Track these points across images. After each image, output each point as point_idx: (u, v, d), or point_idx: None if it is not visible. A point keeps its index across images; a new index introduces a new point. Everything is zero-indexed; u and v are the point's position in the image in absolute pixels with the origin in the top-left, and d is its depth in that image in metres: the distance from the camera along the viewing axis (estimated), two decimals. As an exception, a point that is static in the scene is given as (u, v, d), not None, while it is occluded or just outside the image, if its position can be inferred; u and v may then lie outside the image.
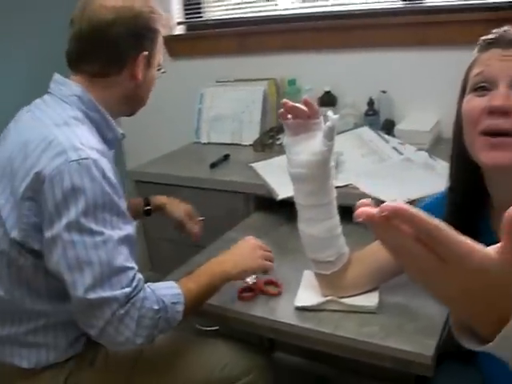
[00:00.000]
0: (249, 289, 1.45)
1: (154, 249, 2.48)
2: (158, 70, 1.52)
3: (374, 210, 0.54)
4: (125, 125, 3.22)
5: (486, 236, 1.08)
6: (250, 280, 1.46)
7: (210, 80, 2.83)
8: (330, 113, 1.19)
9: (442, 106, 2.02)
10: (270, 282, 1.47)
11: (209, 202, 2.14)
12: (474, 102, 1.02)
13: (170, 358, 1.49)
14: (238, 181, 2.08)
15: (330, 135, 1.18)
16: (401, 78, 2.38)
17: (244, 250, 1.47)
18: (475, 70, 1.04)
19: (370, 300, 1.31)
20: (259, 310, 1.37)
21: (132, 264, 1.24)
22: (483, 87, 1.00)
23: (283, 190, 1.77)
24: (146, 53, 1.42)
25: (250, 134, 2.56)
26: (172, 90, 3.01)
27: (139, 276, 1.25)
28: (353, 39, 2.48)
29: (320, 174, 1.23)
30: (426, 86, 2.26)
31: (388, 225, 0.54)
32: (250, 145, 2.50)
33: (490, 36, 1.04)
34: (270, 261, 1.47)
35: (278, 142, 2.35)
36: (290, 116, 1.22)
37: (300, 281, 1.43)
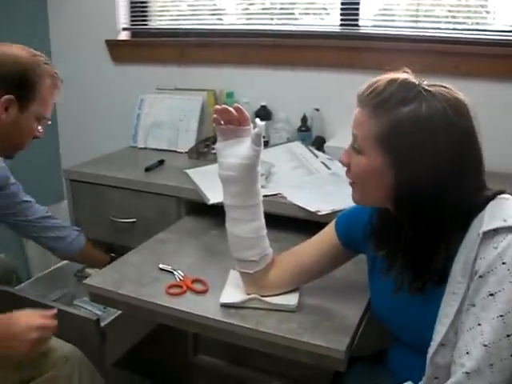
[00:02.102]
0: (177, 285, 1.51)
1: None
2: (40, 121, 1.64)
3: None
4: (62, 124, 3.26)
5: None
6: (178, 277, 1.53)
7: (150, 87, 2.88)
8: (257, 120, 1.27)
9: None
10: (198, 280, 1.53)
11: (142, 204, 2.19)
12: None
13: None
14: (171, 185, 2.13)
15: (257, 141, 1.26)
16: (333, 97, 2.51)
17: (18, 332, 1.46)
18: None
19: (290, 299, 1.39)
20: (186, 305, 1.42)
21: None
22: None
23: (214, 195, 1.83)
24: (10, 96, 1.53)
25: (186, 142, 2.63)
26: (112, 94, 3.06)
27: None
28: (291, 57, 2.59)
29: (247, 176, 1.31)
30: (355, 107, 2.38)
31: None
32: (186, 152, 2.56)
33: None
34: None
35: (212, 151, 2.41)
36: (222, 122, 1.30)
37: (226, 280, 1.50)
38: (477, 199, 1.09)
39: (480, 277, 0.98)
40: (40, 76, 1.58)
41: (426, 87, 1.09)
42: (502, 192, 1.11)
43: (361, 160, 1.14)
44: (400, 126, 1.07)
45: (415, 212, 1.10)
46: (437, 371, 1.06)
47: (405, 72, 1.14)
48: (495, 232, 1.00)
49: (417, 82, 1.10)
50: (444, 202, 1.08)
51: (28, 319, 1.49)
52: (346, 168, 1.21)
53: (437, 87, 1.09)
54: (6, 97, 1.53)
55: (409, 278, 1.17)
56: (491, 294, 0.96)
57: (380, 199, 1.18)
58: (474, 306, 0.99)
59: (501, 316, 0.95)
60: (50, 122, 1.69)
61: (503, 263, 0.97)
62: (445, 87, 1.10)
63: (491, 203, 1.07)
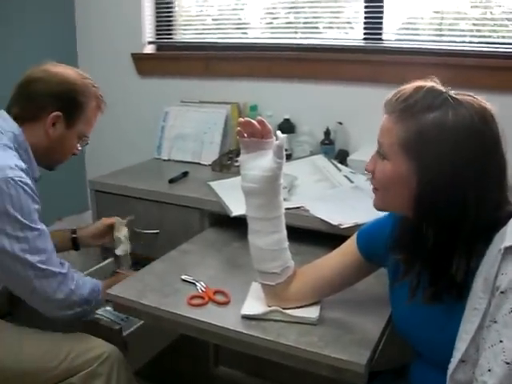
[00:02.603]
0: (199, 296, 1.52)
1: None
2: (81, 140, 1.80)
3: None
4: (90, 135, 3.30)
5: None
6: (200, 288, 1.55)
7: (175, 100, 2.92)
8: (279, 132, 1.29)
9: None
10: (220, 292, 1.54)
11: (165, 216, 2.21)
12: None
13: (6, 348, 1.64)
14: (194, 197, 2.15)
15: (279, 153, 1.27)
16: (356, 111, 2.51)
17: None
18: None
19: (312, 312, 1.39)
20: (207, 316, 1.43)
21: None
22: None
23: (237, 207, 1.84)
24: (59, 113, 1.69)
25: (210, 155, 2.65)
26: (137, 106, 3.10)
27: None
28: (315, 71, 2.61)
29: (270, 189, 1.32)
30: (379, 120, 2.38)
31: None
32: (209, 165, 2.59)
33: None
34: None
35: (235, 164, 2.43)
36: (245, 135, 1.32)
37: (248, 292, 1.51)
38: (499, 213, 1.09)
39: (502, 293, 0.97)
40: (88, 97, 1.75)
41: (453, 95, 1.10)
42: None
43: (386, 166, 1.16)
44: (425, 133, 1.08)
45: (436, 220, 1.11)
46: None
47: (432, 81, 1.15)
48: None
49: (443, 90, 1.11)
50: (466, 212, 1.08)
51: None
52: (370, 174, 1.23)
53: (464, 96, 1.10)
54: (55, 113, 1.69)
55: (424, 285, 1.17)
56: None
57: (401, 206, 1.18)
58: (495, 322, 0.97)
59: None
60: (89, 142, 1.85)
61: None
62: (471, 96, 1.11)
63: None
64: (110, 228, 2.02)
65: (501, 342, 0.95)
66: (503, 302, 0.96)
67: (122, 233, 2.00)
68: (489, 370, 0.95)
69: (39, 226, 1.58)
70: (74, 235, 2.02)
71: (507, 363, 0.93)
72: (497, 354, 0.95)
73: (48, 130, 1.69)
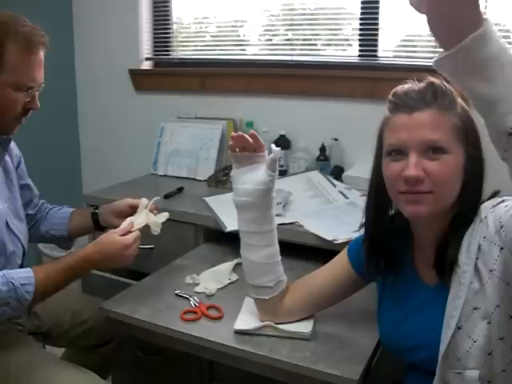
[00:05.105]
0: (192, 311, 1.51)
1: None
2: (26, 91, 1.51)
3: None
4: (85, 150, 3.32)
5: (408, 266, 1.22)
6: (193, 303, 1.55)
7: (171, 115, 2.93)
8: (273, 146, 1.29)
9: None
10: (213, 307, 1.54)
11: (161, 231, 2.20)
12: (390, 168, 1.16)
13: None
14: (189, 212, 2.15)
15: (272, 166, 1.28)
16: (352, 127, 2.52)
17: (113, 251, 1.56)
18: (387, 135, 1.17)
19: (305, 327, 1.39)
20: (200, 331, 1.42)
21: None
22: (396, 152, 1.14)
23: (232, 223, 1.85)
24: None
25: (206, 170, 2.66)
26: (134, 121, 3.11)
27: None
28: (310, 88, 2.62)
29: (262, 202, 1.32)
30: (374, 137, 2.39)
31: None
32: (205, 180, 2.60)
33: (393, 98, 1.17)
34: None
35: (231, 180, 2.43)
36: (237, 149, 1.33)
37: (241, 307, 1.50)
38: None
39: (497, 232, 1.00)
40: (2, 40, 1.46)
41: None
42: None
43: (448, 161, 1.10)
44: (468, 115, 1.14)
45: (478, 200, 1.14)
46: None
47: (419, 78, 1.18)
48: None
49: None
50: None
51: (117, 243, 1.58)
52: (415, 186, 1.12)
53: None
54: None
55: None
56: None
57: (452, 200, 1.14)
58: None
59: None
60: (37, 89, 1.56)
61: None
62: None
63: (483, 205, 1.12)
64: (133, 210, 1.80)
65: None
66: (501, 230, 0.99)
67: (151, 218, 1.78)
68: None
69: None
70: (95, 210, 1.89)
71: None
72: None
73: None
